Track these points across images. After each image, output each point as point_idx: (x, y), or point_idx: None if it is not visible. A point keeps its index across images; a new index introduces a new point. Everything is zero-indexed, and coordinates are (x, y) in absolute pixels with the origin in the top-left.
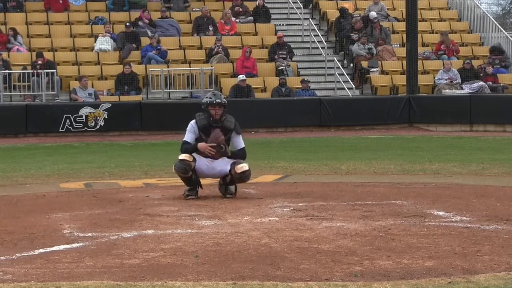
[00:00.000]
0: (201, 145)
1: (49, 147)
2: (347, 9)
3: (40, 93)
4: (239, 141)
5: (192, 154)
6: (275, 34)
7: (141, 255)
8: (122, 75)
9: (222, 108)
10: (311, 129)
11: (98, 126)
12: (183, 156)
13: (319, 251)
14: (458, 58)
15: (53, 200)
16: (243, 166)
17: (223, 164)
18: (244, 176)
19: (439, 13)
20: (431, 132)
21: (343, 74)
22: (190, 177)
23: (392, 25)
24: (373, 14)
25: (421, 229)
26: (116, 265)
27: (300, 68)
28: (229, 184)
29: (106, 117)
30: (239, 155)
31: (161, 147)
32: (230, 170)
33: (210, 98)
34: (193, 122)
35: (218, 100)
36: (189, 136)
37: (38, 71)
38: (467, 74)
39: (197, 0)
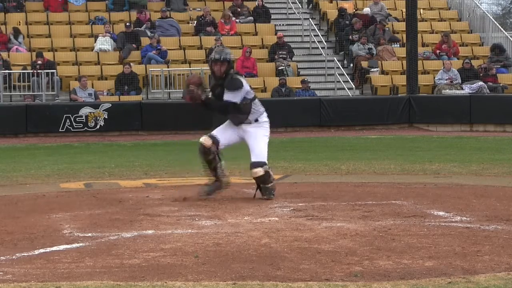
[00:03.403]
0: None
1: (49, 147)
2: (346, 9)
3: (40, 93)
4: (228, 96)
5: (217, 134)
6: (275, 34)
7: (141, 255)
8: (122, 75)
9: (226, 64)
10: (311, 129)
11: (98, 126)
12: (202, 140)
13: (319, 251)
14: (458, 58)
15: (53, 200)
16: (257, 171)
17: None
18: (261, 181)
19: (439, 13)
20: (431, 132)
21: (343, 74)
22: (212, 161)
23: (392, 25)
24: (367, 10)
25: (421, 229)
26: (116, 265)
27: (300, 68)
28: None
29: (106, 117)
30: (218, 104)
31: (161, 147)
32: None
33: (212, 55)
34: None
35: (216, 56)
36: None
37: (38, 71)
38: (467, 74)
39: (198, 0)
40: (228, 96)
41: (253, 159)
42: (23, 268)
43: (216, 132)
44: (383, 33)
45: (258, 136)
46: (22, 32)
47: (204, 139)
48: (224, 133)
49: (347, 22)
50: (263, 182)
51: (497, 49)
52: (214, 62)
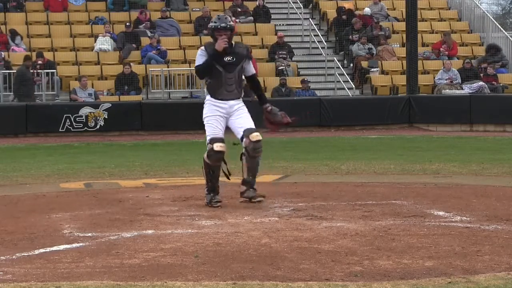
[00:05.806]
0: (218, 43)
1: (49, 147)
2: (346, 8)
3: (40, 93)
4: (251, 67)
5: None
6: (275, 34)
7: (141, 255)
8: (122, 75)
9: (229, 32)
10: (311, 129)
11: (98, 126)
12: (218, 147)
13: (319, 251)
14: (458, 58)
15: (53, 200)
16: (258, 134)
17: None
18: (258, 147)
19: (439, 13)
20: (431, 132)
21: (343, 74)
22: (219, 167)
23: (392, 25)
24: (367, 10)
25: (421, 229)
26: (116, 265)
27: (300, 68)
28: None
29: (106, 117)
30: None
31: (161, 147)
32: (242, 138)
33: (215, 22)
34: (202, 48)
35: (223, 24)
36: (200, 60)
37: (38, 71)
38: (467, 74)
39: (197, 0)
40: (251, 67)
41: (251, 126)
42: (23, 268)
43: (218, 131)
44: (379, 30)
45: (246, 111)
46: (22, 32)
47: (220, 147)
48: (221, 128)
49: (347, 21)
50: (257, 152)
51: (492, 49)
52: (219, 31)
